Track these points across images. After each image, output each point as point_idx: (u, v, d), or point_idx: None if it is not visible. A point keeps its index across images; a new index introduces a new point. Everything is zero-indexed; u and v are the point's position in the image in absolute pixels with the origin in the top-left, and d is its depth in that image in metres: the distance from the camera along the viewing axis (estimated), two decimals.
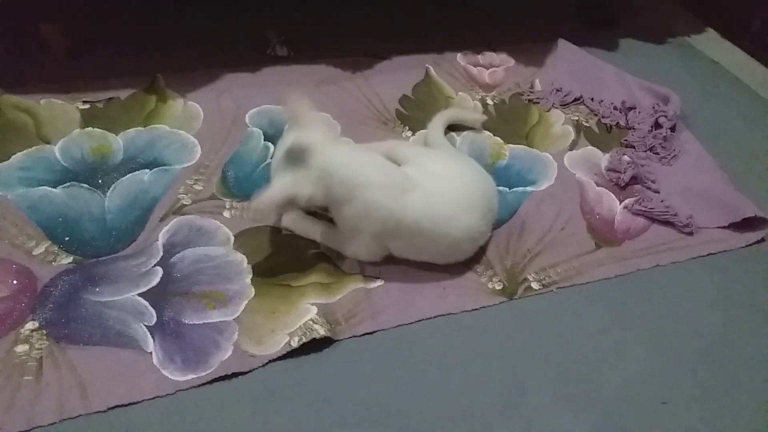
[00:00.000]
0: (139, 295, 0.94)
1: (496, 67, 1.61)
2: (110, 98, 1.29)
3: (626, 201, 1.26)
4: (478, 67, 1.59)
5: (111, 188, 1.10)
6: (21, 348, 0.86)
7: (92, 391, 0.82)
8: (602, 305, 1.06)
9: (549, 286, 1.06)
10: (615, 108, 1.49)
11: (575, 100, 1.52)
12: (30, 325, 0.88)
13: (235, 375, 0.86)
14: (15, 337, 0.87)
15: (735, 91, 1.69)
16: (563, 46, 1.67)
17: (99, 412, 0.81)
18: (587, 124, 1.46)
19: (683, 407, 0.93)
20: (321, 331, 0.91)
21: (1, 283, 0.92)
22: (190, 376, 0.85)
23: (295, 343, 0.89)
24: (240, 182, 1.15)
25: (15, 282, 0.93)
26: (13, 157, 1.12)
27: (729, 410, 0.93)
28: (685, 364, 0.99)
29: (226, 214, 1.08)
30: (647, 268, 1.13)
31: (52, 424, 0.79)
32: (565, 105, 1.50)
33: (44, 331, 0.88)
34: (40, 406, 0.80)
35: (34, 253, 0.98)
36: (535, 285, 1.06)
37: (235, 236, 1.04)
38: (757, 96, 1.67)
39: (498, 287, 1.04)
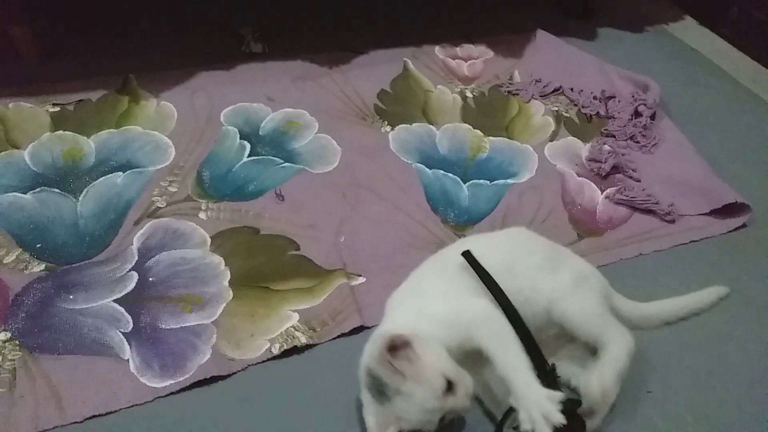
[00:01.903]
0: (115, 301, 0.92)
1: (474, 59, 1.60)
2: (81, 100, 1.26)
3: (608, 190, 1.25)
4: (456, 60, 1.58)
5: (83, 192, 1.07)
6: None
7: (68, 402, 0.80)
8: None
9: None
10: (595, 97, 1.48)
11: (555, 90, 1.51)
12: (2, 336, 0.86)
13: (214, 379, 0.85)
14: None
15: (714, 78, 1.69)
16: (542, 36, 1.66)
17: (75, 422, 0.79)
18: (567, 115, 1.45)
19: (668, 396, 0.93)
20: (302, 339, 0.89)
21: None
22: (168, 382, 0.83)
23: (276, 350, 0.88)
24: (216, 182, 1.13)
25: None
26: None
27: (713, 397, 0.93)
28: (670, 352, 0.99)
29: (202, 215, 1.06)
30: (630, 257, 1.13)
31: None
32: (544, 96, 1.50)
33: (17, 342, 0.86)
34: (14, 418, 0.78)
35: (4, 261, 0.96)
36: None
37: (211, 238, 1.03)
38: (737, 82, 1.67)
39: None
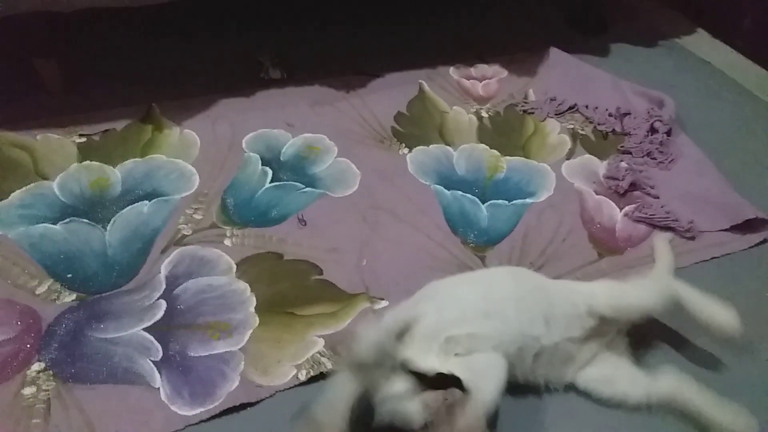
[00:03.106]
0: (144, 329, 0.94)
1: (489, 79, 1.61)
2: (106, 130, 1.29)
3: (626, 208, 1.25)
4: (471, 80, 1.60)
5: (111, 222, 1.10)
6: (28, 390, 0.85)
7: (101, 431, 0.82)
8: None
9: None
10: (610, 114, 1.49)
11: (570, 108, 1.52)
12: (36, 366, 0.88)
13: (243, 406, 0.86)
14: (22, 380, 0.86)
15: (728, 90, 1.69)
16: (555, 54, 1.67)
17: None
18: (583, 132, 1.46)
19: None
20: (328, 365, 0.90)
21: (6, 325, 0.92)
22: (198, 410, 0.84)
23: (302, 377, 0.89)
24: (240, 209, 1.15)
25: (19, 323, 0.93)
26: (12, 194, 1.12)
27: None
28: (693, 370, 0.98)
29: (227, 242, 1.08)
30: None
31: None
32: (559, 114, 1.51)
33: (51, 372, 0.87)
34: None
35: (37, 292, 0.98)
36: None
37: (237, 264, 1.04)
38: (751, 94, 1.67)
39: None
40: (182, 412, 0.84)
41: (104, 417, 0.83)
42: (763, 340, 1.04)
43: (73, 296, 0.98)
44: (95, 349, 0.91)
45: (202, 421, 0.83)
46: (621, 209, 1.25)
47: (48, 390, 0.85)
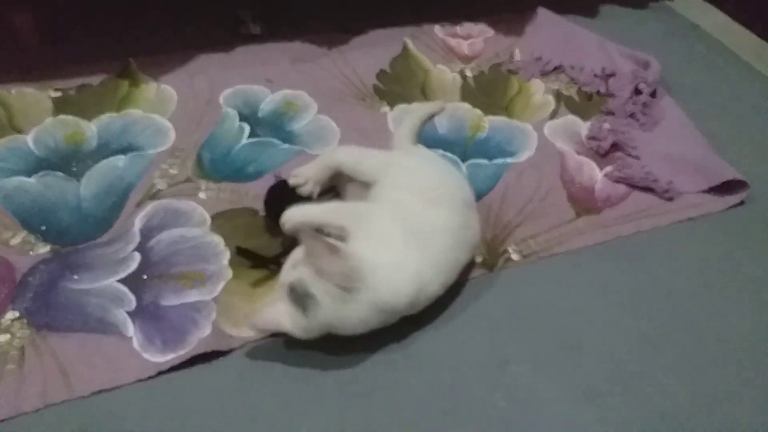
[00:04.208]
0: (118, 281, 0.94)
1: (474, 37, 1.59)
2: (82, 85, 1.27)
3: (606, 168, 1.25)
4: (456, 39, 1.58)
5: (86, 175, 1.09)
6: (2, 338, 0.86)
7: (75, 378, 0.83)
8: (582, 273, 1.06)
9: (529, 256, 1.07)
10: (595, 75, 1.48)
11: (555, 68, 1.51)
12: (10, 315, 0.88)
13: (215, 356, 0.87)
14: None
15: (717, 54, 1.68)
16: (543, 14, 1.65)
17: (82, 397, 0.81)
18: (567, 93, 1.45)
19: (662, 371, 0.94)
20: None
21: None
22: (170, 356, 0.85)
23: None
24: (216, 164, 1.15)
25: None
26: None
27: (707, 374, 0.95)
28: (665, 328, 1.00)
29: (202, 194, 1.08)
30: (627, 234, 1.13)
31: (37, 410, 0.79)
32: (545, 74, 1.49)
33: (25, 320, 0.88)
34: (24, 393, 0.80)
35: (11, 243, 0.98)
36: (515, 256, 1.06)
37: (211, 218, 1.04)
38: (739, 59, 1.66)
39: (478, 260, 1.04)
40: (154, 359, 0.85)
41: (78, 364, 0.84)
42: (733, 301, 1.05)
43: (48, 248, 0.98)
44: (69, 299, 0.91)
45: (173, 368, 0.84)
46: (601, 170, 1.25)
47: (22, 338, 0.86)
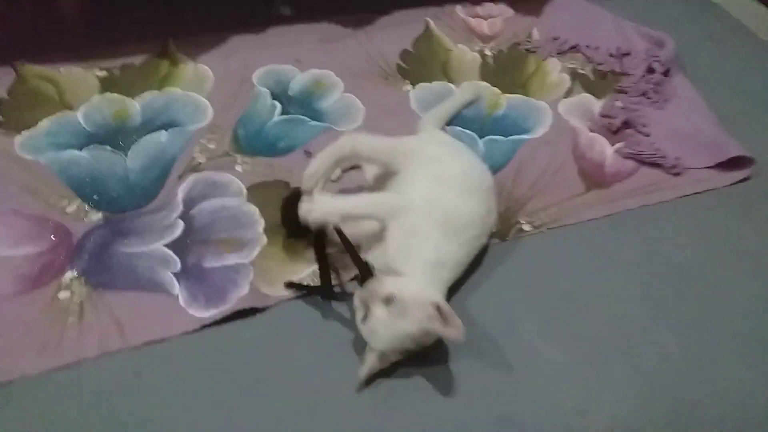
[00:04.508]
0: (165, 245, 1.04)
1: (494, 17, 1.65)
2: (125, 64, 1.37)
3: (617, 145, 1.31)
4: (477, 18, 1.63)
5: (132, 149, 1.19)
6: (63, 294, 0.96)
7: (129, 329, 0.93)
8: (590, 244, 1.13)
9: (540, 227, 1.14)
10: (610, 54, 1.53)
11: (572, 48, 1.56)
12: (69, 274, 0.99)
13: (252, 312, 0.97)
14: (58, 285, 0.97)
15: (733, 32, 1.70)
16: None
17: (135, 347, 0.92)
18: (583, 72, 1.50)
19: (663, 336, 1.01)
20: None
21: (42, 239, 1.03)
22: (212, 311, 0.95)
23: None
24: (250, 140, 1.24)
25: (53, 237, 1.04)
26: (41, 123, 1.21)
27: (704, 338, 1.01)
28: (666, 296, 1.07)
29: (238, 168, 1.17)
30: (634, 208, 1.20)
31: (96, 357, 0.90)
32: (561, 53, 1.54)
33: (82, 279, 0.98)
34: (84, 342, 0.91)
35: (67, 210, 1.08)
36: (526, 227, 1.14)
37: (247, 189, 1.13)
38: (755, 37, 1.69)
39: (492, 230, 1.11)
40: (198, 315, 0.95)
41: (131, 318, 0.94)
42: (732, 272, 1.12)
43: (100, 215, 1.08)
44: (121, 261, 1.02)
45: (215, 322, 0.95)
46: (612, 146, 1.31)
47: (81, 294, 0.97)
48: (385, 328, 0.85)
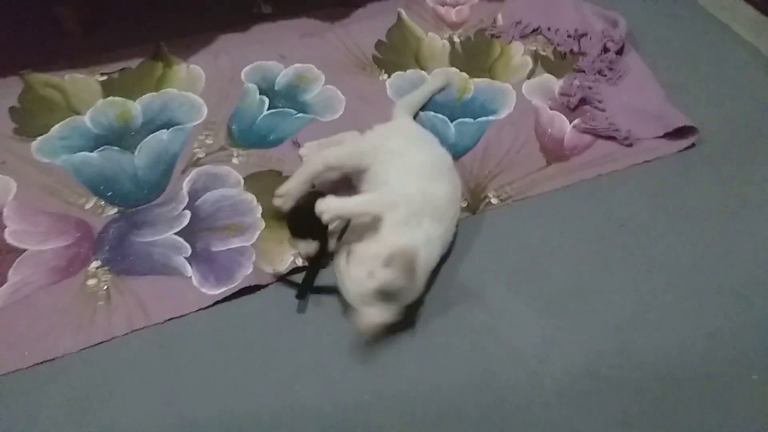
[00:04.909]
0: (175, 234, 1.17)
1: (462, 4, 1.76)
2: (123, 68, 1.48)
3: (575, 121, 1.45)
4: (445, 6, 1.75)
5: (137, 149, 1.31)
6: (91, 281, 1.10)
7: (151, 309, 1.07)
8: (550, 212, 1.28)
9: (506, 200, 1.28)
10: (569, 36, 1.65)
11: (534, 30, 1.68)
12: (94, 264, 1.13)
13: (256, 288, 1.11)
14: (85, 274, 1.11)
15: (686, 8, 1.83)
16: None
17: (158, 324, 1.06)
18: (544, 53, 1.63)
19: (613, 289, 1.16)
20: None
21: (67, 234, 1.16)
22: (222, 289, 1.09)
23: (299, 262, 1.14)
24: (243, 134, 1.36)
25: (77, 232, 1.17)
26: (52, 128, 1.33)
27: (652, 291, 1.17)
28: (618, 255, 1.22)
29: (235, 160, 1.30)
30: (590, 178, 1.34)
31: (125, 335, 1.05)
32: (524, 36, 1.67)
33: (106, 267, 1.12)
34: (113, 322, 1.05)
35: (86, 207, 1.21)
36: (494, 200, 1.28)
37: (244, 179, 1.27)
38: (705, 11, 1.81)
39: (463, 205, 1.25)
40: (210, 292, 1.09)
41: (152, 298, 1.09)
42: (678, 229, 1.27)
43: (115, 210, 1.21)
44: (138, 249, 1.15)
45: (225, 298, 1.09)
46: (571, 122, 1.45)
47: (106, 281, 1.11)
48: (349, 281, 1.00)
